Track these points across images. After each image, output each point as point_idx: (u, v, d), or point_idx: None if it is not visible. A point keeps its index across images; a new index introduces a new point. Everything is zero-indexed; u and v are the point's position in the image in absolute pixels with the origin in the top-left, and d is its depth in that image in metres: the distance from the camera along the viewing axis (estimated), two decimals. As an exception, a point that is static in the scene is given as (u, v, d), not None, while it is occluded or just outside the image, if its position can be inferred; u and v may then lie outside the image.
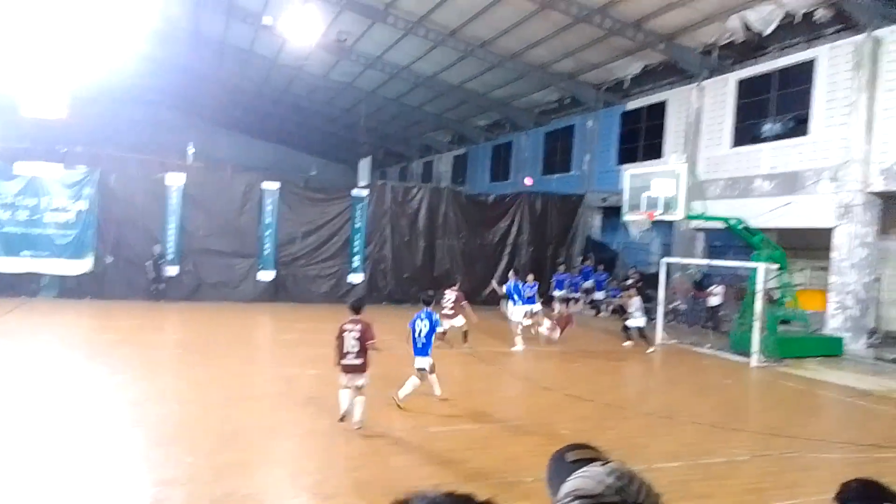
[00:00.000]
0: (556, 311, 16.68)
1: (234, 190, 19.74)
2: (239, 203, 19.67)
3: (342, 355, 7.50)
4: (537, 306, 14.88)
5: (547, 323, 14.66)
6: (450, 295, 13.69)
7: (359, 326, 7.51)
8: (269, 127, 42.12)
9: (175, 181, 18.95)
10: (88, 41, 23.58)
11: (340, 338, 7.54)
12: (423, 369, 8.76)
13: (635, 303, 14.96)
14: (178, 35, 26.05)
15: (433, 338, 8.94)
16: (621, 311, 16.28)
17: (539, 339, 14.54)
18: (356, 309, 7.82)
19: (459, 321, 13.56)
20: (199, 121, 38.06)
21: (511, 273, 16.01)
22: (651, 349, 14.62)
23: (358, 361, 7.44)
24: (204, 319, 16.12)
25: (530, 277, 15.24)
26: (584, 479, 1.30)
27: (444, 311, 13.46)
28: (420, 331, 8.78)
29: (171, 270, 18.88)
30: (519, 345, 13.91)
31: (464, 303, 13.62)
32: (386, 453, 6.85)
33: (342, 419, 7.53)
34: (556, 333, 14.66)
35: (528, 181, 24.59)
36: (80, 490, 5.54)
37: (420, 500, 1.20)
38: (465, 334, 13.62)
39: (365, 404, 7.46)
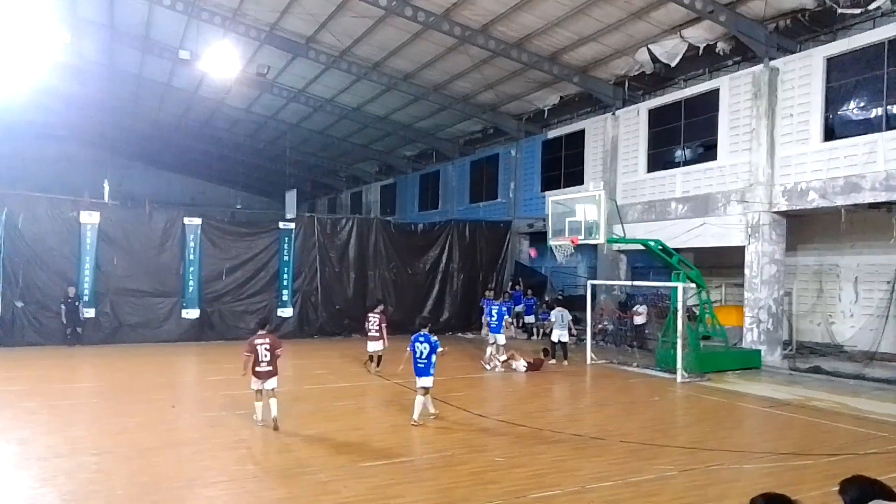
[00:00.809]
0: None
1: (154, 227, 19.13)
2: (159, 240, 19.06)
3: (257, 363, 9.07)
4: (502, 338, 15.20)
5: (522, 363, 14.73)
6: (373, 318, 13.99)
7: (268, 340, 9.24)
8: (189, 161, 41.02)
9: (89, 220, 18.19)
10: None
11: (253, 350, 9.10)
12: (427, 388, 9.55)
13: (555, 314, 15.60)
14: (91, 69, 25.17)
15: (433, 358, 9.56)
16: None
17: (498, 363, 14.94)
18: (263, 325, 9.67)
19: (380, 345, 13.84)
20: (115, 156, 36.65)
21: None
22: (559, 362, 15.31)
23: (269, 368, 9.14)
24: (123, 363, 15.34)
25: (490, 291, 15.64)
26: None
27: (370, 334, 13.91)
28: (421, 352, 9.54)
29: (88, 313, 18.02)
30: (491, 365, 14.83)
31: (384, 325, 13.87)
32: (313, 494, 6.65)
33: (264, 424, 9.06)
34: (522, 368, 14.70)
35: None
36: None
37: None
38: (380, 358, 13.85)
39: (277, 405, 9.08)
